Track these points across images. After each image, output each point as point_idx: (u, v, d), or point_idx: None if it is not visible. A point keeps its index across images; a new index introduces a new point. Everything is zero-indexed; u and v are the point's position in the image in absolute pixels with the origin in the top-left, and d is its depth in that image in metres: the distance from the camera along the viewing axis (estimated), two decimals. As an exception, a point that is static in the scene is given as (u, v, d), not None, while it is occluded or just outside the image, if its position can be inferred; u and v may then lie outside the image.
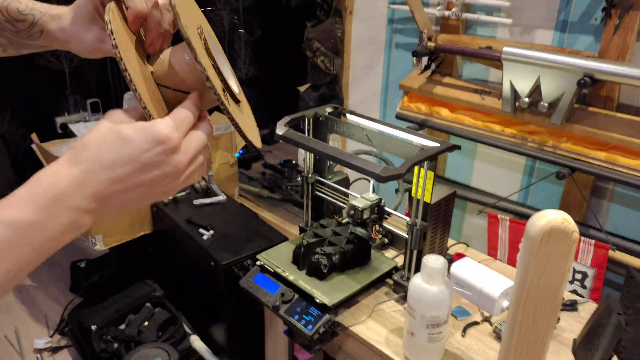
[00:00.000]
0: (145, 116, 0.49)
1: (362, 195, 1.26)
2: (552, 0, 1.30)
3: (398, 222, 1.35)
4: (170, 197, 1.80)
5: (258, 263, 1.31)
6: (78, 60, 3.13)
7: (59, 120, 3.10)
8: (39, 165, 3.06)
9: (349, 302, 1.23)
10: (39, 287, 2.26)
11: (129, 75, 0.47)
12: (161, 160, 0.46)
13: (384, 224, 1.34)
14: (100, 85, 3.27)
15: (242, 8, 3.67)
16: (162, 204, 1.77)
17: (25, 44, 0.62)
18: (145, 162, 0.46)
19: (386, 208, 1.26)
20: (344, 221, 1.34)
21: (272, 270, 1.27)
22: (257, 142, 0.59)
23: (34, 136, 1.82)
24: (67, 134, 3.00)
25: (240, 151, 3.38)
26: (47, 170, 0.44)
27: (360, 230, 1.23)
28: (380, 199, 1.25)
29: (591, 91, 1.26)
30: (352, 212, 1.21)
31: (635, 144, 1.13)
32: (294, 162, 3.05)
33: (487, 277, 0.97)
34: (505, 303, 0.95)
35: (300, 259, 1.25)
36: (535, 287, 0.77)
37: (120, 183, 0.46)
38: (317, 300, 1.15)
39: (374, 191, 1.30)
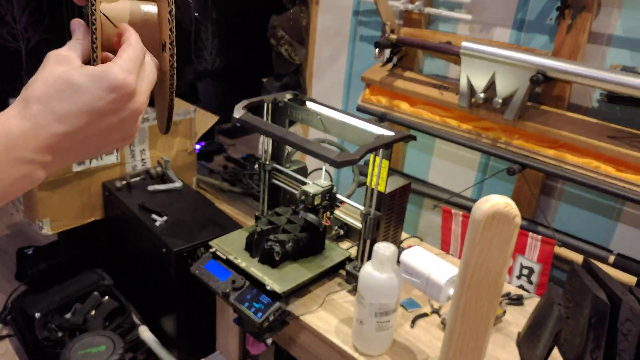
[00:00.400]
0: (90, 50, 0.46)
1: (314, 182, 1.26)
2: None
3: (354, 213, 1.35)
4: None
5: (211, 250, 1.28)
6: (35, 40, 3.02)
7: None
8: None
9: (300, 291, 1.21)
10: (-19, 273, 2.16)
11: None
12: (119, 107, 0.44)
13: (341, 214, 1.34)
14: (59, 69, 3.16)
15: (211, -3, 3.61)
16: (115, 189, 1.72)
17: None
18: (102, 110, 0.43)
19: (338, 195, 1.26)
20: (300, 210, 1.33)
21: (224, 257, 1.25)
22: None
23: (-20, 113, 1.73)
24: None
25: (202, 143, 3.32)
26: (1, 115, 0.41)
27: (310, 216, 1.23)
28: (332, 186, 1.25)
29: (544, 90, 1.29)
30: (303, 197, 1.20)
31: (583, 142, 1.17)
32: (256, 156, 3.02)
33: (435, 264, 0.98)
34: (452, 291, 0.95)
35: (254, 246, 1.24)
36: (479, 270, 0.78)
37: (77, 134, 0.43)
38: (268, 288, 1.13)
39: (332, 180, 1.30)
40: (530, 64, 1.13)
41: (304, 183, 1.37)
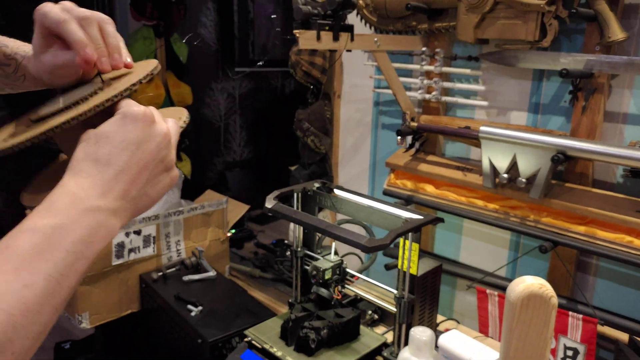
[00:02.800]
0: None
1: (324, 257, 1.30)
2: (523, 85, 1.40)
3: (386, 296, 1.35)
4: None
5: (246, 339, 1.29)
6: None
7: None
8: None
9: (338, 380, 1.19)
10: (18, 371, 2.17)
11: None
12: (149, 133, 0.49)
13: (374, 299, 1.34)
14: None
15: (238, 94, 3.86)
16: (152, 281, 1.76)
17: (18, 85, 0.64)
18: (137, 140, 0.48)
19: (348, 270, 1.31)
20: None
21: (260, 346, 1.25)
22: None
23: (28, 212, 1.84)
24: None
25: (233, 230, 3.40)
26: (58, 186, 0.47)
27: (322, 290, 1.26)
28: (342, 261, 1.30)
29: (567, 168, 1.32)
30: (314, 272, 1.26)
31: (611, 217, 1.17)
32: (286, 241, 3.06)
33: (475, 349, 0.96)
34: (493, 376, 0.93)
35: (289, 333, 1.24)
36: (520, 354, 0.77)
37: (127, 171, 0.48)
38: None
39: (361, 261, 1.33)
40: (549, 145, 1.18)
41: (335, 268, 1.39)
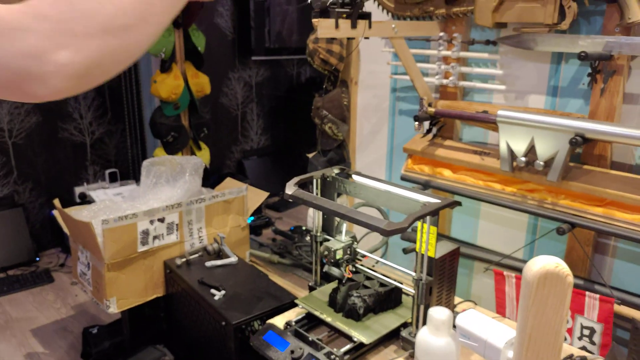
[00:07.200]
0: None
1: (335, 238, 1.35)
2: (542, 68, 1.40)
3: (405, 279, 1.38)
4: (184, 260, 1.84)
5: (268, 321, 1.33)
6: (99, 132, 3.31)
7: (78, 190, 3.23)
8: (57, 233, 3.15)
9: (357, 359, 1.24)
10: (50, 353, 2.26)
11: None
12: None
13: (393, 281, 1.37)
14: (119, 156, 3.43)
15: (255, 82, 3.89)
16: (176, 266, 1.82)
17: None
18: None
19: (358, 250, 1.35)
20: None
21: (310, 314, 1.30)
22: None
23: (56, 201, 1.91)
24: (86, 202, 3.12)
25: (252, 217, 3.45)
26: None
27: (334, 270, 1.30)
28: (352, 241, 1.34)
29: (585, 150, 1.33)
30: (326, 252, 1.30)
31: (630, 199, 1.18)
32: (304, 228, 3.10)
33: (492, 328, 0.99)
34: (511, 353, 0.95)
35: (338, 302, 1.30)
36: (536, 331, 0.79)
37: None
38: (355, 339, 1.20)
39: (387, 245, 1.37)
40: (567, 127, 1.18)
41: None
